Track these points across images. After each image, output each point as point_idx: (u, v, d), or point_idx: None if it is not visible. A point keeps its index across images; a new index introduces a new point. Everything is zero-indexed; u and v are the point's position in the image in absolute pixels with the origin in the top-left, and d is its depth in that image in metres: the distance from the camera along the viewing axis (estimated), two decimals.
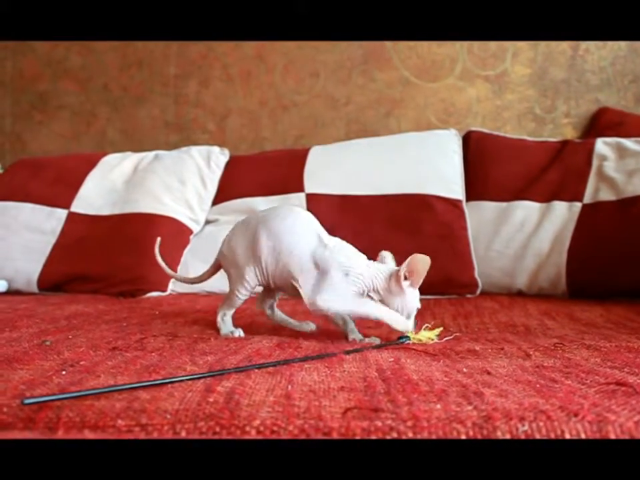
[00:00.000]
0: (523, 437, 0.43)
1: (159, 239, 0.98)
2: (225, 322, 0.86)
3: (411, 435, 0.44)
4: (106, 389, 0.51)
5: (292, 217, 0.84)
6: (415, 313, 0.80)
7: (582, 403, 0.47)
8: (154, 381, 0.53)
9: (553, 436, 0.43)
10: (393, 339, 0.79)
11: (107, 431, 0.45)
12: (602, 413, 0.45)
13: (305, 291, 0.80)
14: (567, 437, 0.43)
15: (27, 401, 0.47)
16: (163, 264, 0.97)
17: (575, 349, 0.73)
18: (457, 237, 1.49)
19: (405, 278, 0.77)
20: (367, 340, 0.80)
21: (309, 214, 0.87)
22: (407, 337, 0.77)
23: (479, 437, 0.43)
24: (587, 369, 0.60)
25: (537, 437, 0.43)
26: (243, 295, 0.86)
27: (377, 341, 0.79)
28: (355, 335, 0.82)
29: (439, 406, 0.47)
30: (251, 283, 0.84)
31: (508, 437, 0.43)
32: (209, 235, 1.63)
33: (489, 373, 0.59)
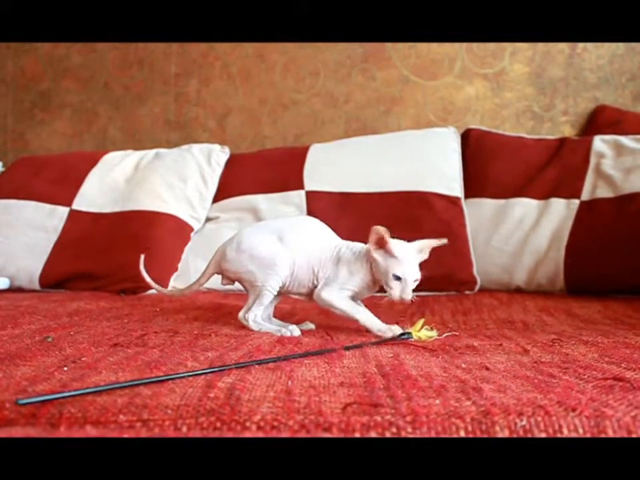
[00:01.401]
0: (521, 431, 0.43)
1: (142, 256, 0.98)
2: (259, 322, 0.86)
3: (410, 430, 0.44)
4: (107, 387, 0.51)
5: (312, 222, 0.91)
6: (391, 279, 0.79)
7: (580, 398, 0.48)
8: (153, 378, 0.54)
9: (551, 431, 0.43)
10: None
11: (109, 426, 0.45)
12: (599, 408, 0.46)
13: (319, 283, 0.85)
14: (565, 431, 0.44)
15: (21, 402, 0.47)
16: (148, 279, 0.97)
17: (573, 345, 0.73)
18: (456, 234, 1.49)
19: (379, 248, 0.80)
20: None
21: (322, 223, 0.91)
22: (409, 333, 0.78)
23: (478, 431, 0.44)
24: (585, 365, 0.61)
25: (536, 431, 0.43)
26: (273, 288, 0.86)
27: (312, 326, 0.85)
28: None
29: (438, 401, 0.47)
30: (282, 274, 0.85)
31: (506, 431, 0.44)
32: (210, 232, 1.64)
33: (487, 369, 0.59)
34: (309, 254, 0.85)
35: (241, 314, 0.88)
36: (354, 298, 0.86)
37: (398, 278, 0.78)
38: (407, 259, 0.79)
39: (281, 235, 0.86)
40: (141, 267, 0.97)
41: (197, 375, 0.55)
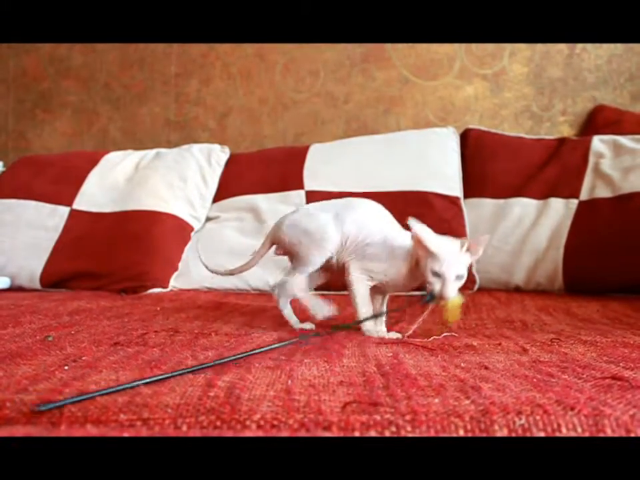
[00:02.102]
0: (520, 430, 0.44)
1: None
2: (305, 291, 0.88)
3: (409, 429, 0.44)
4: (128, 385, 0.51)
5: (370, 204, 0.90)
6: (429, 275, 0.77)
7: (578, 397, 0.48)
8: (157, 376, 0.54)
9: (549, 429, 0.44)
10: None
11: (110, 425, 0.45)
12: (598, 407, 0.46)
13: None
14: (564, 430, 0.44)
15: (42, 408, 0.47)
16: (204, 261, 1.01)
17: (572, 344, 0.73)
18: (455, 233, 1.48)
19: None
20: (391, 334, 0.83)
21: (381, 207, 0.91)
22: (432, 296, 0.77)
23: (477, 430, 0.44)
24: (584, 364, 0.61)
25: (534, 430, 0.44)
26: (317, 262, 0.87)
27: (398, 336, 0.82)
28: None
29: (437, 400, 0.48)
30: (330, 249, 0.86)
31: (505, 430, 0.44)
32: (210, 231, 1.64)
33: (486, 368, 0.59)
34: (359, 233, 0.85)
35: (282, 278, 0.92)
36: (383, 287, 0.86)
37: (437, 275, 0.77)
38: (447, 255, 0.76)
39: (335, 213, 0.87)
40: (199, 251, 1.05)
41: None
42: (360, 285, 0.85)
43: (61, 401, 0.48)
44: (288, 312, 0.91)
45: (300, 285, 0.87)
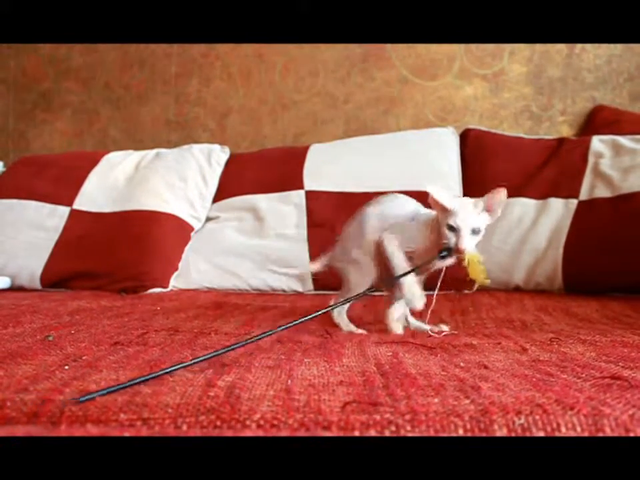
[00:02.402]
0: (519, 430, 0.44)
1: None
2: (343, 317, 0.89)
3: (409, 429, 0.44)
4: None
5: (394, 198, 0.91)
6: (444, 228, 0.78)
7: (578, 397, 0.48)
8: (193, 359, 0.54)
9: (549, 429, 0.44)
10: None
11: (110, 425, 0.45)
12: (597, 407, 0.46)
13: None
14: (563, 430, 0.44)
15: (82, 399, 0.48)
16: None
17: (571, 344, 0.73)
18: None
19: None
20: (432, 327, 0.85)
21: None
22: (449, 250, 0.78)
23: (476, 430, 0.44)
24: (583, 363, 0.61)
25: (534, 430, 0.44)
26: (361, 287, 0.87)
27: (446, 329, 0.83)
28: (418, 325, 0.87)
29: (436, 400, 0.48)
30: (370, 273, 0.87)
31: (505, 430, 0.44)
32: (210, 231, 1.64)
33: (486, 367, 0.59)
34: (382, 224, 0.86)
35: (332, 301, 0.90)
36: (412, 257, 0.85)
37: (452, 228, 0.77)
38: (461, 209, 0.77)
39: (360, 230, 0.89)
40: None
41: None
42: (395, 249, 0.83)
43: (97, 392, 0.50)
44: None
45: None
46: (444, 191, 0.79)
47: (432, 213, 0.83)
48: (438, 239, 0.81)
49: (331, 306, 0.80)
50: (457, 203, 0.78)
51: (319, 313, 0.75)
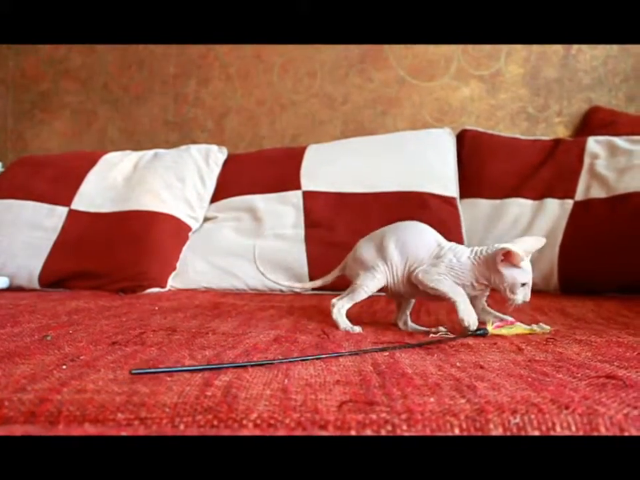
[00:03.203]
0: (514, 429, 0.44)
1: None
2: (342, 315, 0.89)
3: (405, 428, 0.44)
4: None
5: (414, 225, 0.92)
6: (518, 287, 0.81)
7: (573, 396, 0.48)
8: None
9: (544, 428, 0.44)
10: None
11: (107, 424, 0.45)
12: (592, 406, 0.46)
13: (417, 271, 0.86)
14: (558, 429, 0.44)
15: (134, 371, 0.55)
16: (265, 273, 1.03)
17: (567, 344, 0.73)
18: (451, 233, 1.50)
19: (503, 259, 0.81)
20: (430, 330, 0.86)
21: (427, 226, 0.93)
22: (485, 329, 0.80)
23: (472, 429, 0.44)
24: (578, 363, 0.61)
25: (529, 429, 0.44)
26: (369, 288, 0.88)
27: (444, 330, 0.84)
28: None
29: (432, 399, 0.48)
30: (380, 276, 0.88)
31: (500, 429, 0.44)
32: (208, 232, 1.64)
33: (482, 367, 0.60)
34: (405, 255, 0.87)
35: (334, 300, 0.91)
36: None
37: (523, 284, 0.81)
38: (528, 266, 0.82)
39: (380, 240, 0.90)
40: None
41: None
42: (439, 281, 0.84)
43: (154, 369, 0.55)
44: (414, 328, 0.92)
45: (342, 312, 0.90)
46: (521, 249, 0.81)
47: (460, 246, 0.87)
48: (469, 279, 0.84)
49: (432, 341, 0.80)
50: (525, 261, 0.82)
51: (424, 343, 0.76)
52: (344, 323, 0.87)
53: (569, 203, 1.49)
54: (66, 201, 1.68)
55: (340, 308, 0.89)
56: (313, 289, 1.07)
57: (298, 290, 1.06)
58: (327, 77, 2.00)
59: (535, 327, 0.84)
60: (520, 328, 0.83)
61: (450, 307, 0.85)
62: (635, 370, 0.58)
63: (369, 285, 0.88)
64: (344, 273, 0.96)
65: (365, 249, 0.91)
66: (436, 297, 0.86)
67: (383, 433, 0.44)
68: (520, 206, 1.54)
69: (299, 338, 0.78)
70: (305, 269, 1.48)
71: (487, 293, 0.88)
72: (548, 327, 0.84)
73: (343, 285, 0.96)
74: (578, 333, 0.82)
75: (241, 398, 0.48)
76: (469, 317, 0.81)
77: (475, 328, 0.80)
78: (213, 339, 0.77)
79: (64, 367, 0.59)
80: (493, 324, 0.83)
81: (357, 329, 0.86)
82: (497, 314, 0.87)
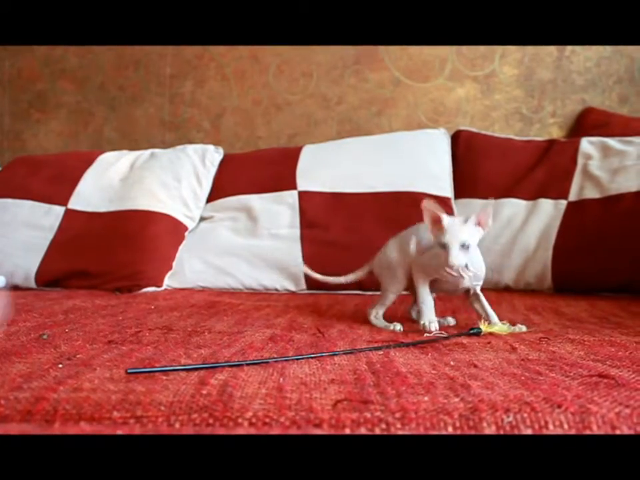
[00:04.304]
0: (508, 427, 0.44)
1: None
2: (379, 319, 0.91)
3: (399, 426, 0.44)
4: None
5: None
6: (454, 247, 0.77)
7: (565, 395, 0.48)
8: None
9: (537, 427, 0.44)
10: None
11: (103, 423, 0.45)
12: (585, 405, 0.46)
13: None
14: (551, 427, 0.44)
15: (130, 371, 0.55)
16: (309, 271, 1.06)
17: (560, 343, 0.74)
18: None
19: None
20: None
21: None
22: (479, 328, 0.81)
23: (466, 427, 0.44)
24: (571, 362, 0.62)
25: (522, 427, 0.44)
26: (394, 292, 0.91)
27: (452, 322, 0.89)
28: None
29: (426, 398, 0.48)
30: (401, 279, 0.90)
31: (493, 427, 0.44)
32: (204, 231, 1.64)
33: (475, 366, 0.60)
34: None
35: (369, 309, 0.93)
36: (434, 283, 0.87)
37: (443, 246, 0.79)
38: (451, 226, 0.78)
39: (401, 242, 0.91)
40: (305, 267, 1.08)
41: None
42: (419, 282, 0.86)
43: (150, 368, 0.56)
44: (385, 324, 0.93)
45: (378, 317, 0.93)
46: (439, 209, 0.81)
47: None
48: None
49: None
50: (447, 220, 0.79)
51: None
52: (384, 325, 0.89)
53: (563, 203, 1.49)
54: (63, 201, 1.68)
55: (375, 314, 0.91)
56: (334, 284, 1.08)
57: (339, 281, 1.06)
58: (322, 78, 2.01)
59: (513, 327, 0.84)
60: (498, 326, 0.83)
61: (443, 306, 0.86)
62: (627, 369, 0.58)
63: (393, 289, 0.91)
64: (372, 269, 0.98)
65: (390, 249, 0.93)
66: (447, 291, 0.88)
67: (377, 431, 0.44)
68: (514, 206, 1.54)
69: (295, 337, 0.79)
70: (301, 269, 1.48)
71: (468, 285, 0.85)
72: (524, 327, 0.84)
73: (345, 286, 0.98)
74: (571, 332, 0.83)
75: (237, 397, 0.49)
76: (425, 318, 0.83)
77: (434, 329, 0.81)
78: (209, 337, 0.77)
79: (60, 365, 0.59)
80: (484, 322, 0.83)
81: (398, 326, 0.87)
82: (488, 311, 0.87)
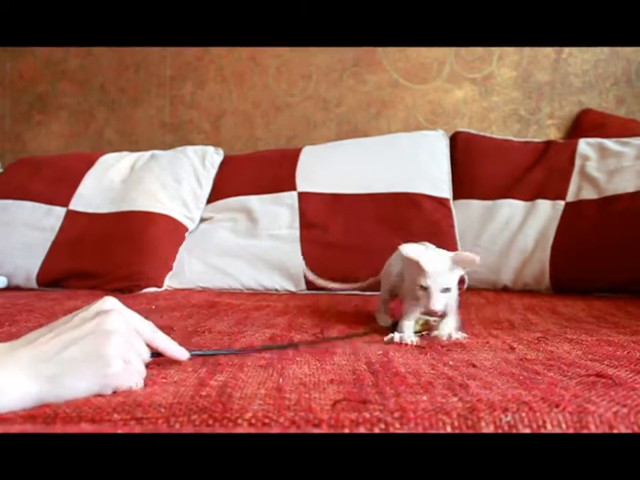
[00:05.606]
0: (506, 427, 0.44)
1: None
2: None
3: (398, 426, 0.44)
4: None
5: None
6: (436, 291, 0.75)
7: (563, 395, 0.49)
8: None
9: (535, 426, 0.44)
10: None
11: (103, 425, 0.45)
12: (582, 404, 0.47)
13: None
14: (549, 427, 0.44)
15: (193, 353, 0.62)
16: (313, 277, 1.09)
17: (558, 343, 0.74)
18: (444, 234, 1.50)
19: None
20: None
21: None
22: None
23: (464, 427, 0.44)
24: (569, 362, 0.62)
25: (520, 427, 0.44)
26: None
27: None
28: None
29: (425, 397, 0.48)
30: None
31: (492, 427, 0.44)
32: (204, 232, 1.65)
33: (474, 366, 0.60)
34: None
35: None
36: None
37: (424, 288, 0.75)
38: (433, 272, 0.75)
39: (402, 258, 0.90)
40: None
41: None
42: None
43: (212, 350, 0.64)
44: None
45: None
46: (416, 247, 0.78)
47: None
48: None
49: None
50: (430, 262, 0.75)
51: None
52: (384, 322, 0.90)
53: (560, 204, 1.50)
54: (64, 202, 1.68)
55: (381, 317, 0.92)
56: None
57: (347, 291, 1.06)
58: (321, 80, 2.01)
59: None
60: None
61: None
62: (624, 369, 0.59)
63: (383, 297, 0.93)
64: (377, 280, 0.98)
65: (394, 259, 0.92)
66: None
67: (376, 431, 0.44)
68: (512, 207, 1.54)
69: (294, 337, 0.79)
70: (300, 270, 1.48)
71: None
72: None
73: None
74: (569, 332, 0.83)
75: (236, 397, 0.49)
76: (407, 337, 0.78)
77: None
78: (209, 337, 0.78)
79: None
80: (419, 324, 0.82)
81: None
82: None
